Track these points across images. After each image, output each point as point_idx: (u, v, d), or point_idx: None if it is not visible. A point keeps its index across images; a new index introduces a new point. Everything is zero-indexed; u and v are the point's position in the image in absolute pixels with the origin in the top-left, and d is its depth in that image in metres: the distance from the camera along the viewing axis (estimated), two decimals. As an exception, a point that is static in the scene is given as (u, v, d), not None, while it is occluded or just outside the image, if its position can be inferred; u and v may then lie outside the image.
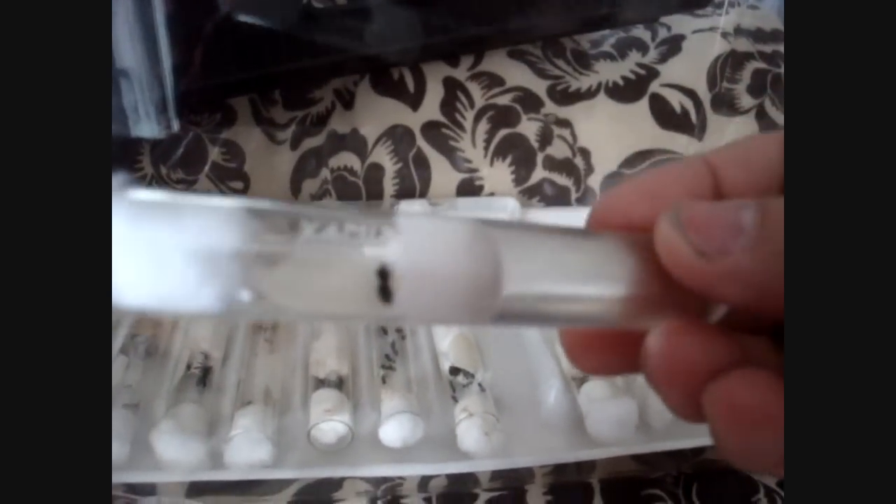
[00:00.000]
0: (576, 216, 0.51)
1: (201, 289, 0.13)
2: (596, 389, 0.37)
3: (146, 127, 0.44)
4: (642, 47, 0.54)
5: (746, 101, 0.52)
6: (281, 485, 0.35)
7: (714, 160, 0.17)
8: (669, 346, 0.15)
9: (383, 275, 0.14)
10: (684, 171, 0.17)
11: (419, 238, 0.14)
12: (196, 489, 0.35)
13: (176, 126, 0.45)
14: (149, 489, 0.34)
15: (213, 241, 0.12)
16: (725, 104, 0.52)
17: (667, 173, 0.18)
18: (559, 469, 0.36)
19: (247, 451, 0.34)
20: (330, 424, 0.35)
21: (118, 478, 0.34)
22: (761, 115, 0.52)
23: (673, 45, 0.54)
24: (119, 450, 0.34)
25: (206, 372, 0.38)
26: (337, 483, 0.35)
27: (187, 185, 0.50)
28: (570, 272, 0.15)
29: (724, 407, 0.14)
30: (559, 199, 0.52)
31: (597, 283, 0.15)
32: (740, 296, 0.14)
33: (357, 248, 0.14)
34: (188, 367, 0.38)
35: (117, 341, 0.40)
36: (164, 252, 0.12)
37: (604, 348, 0.18)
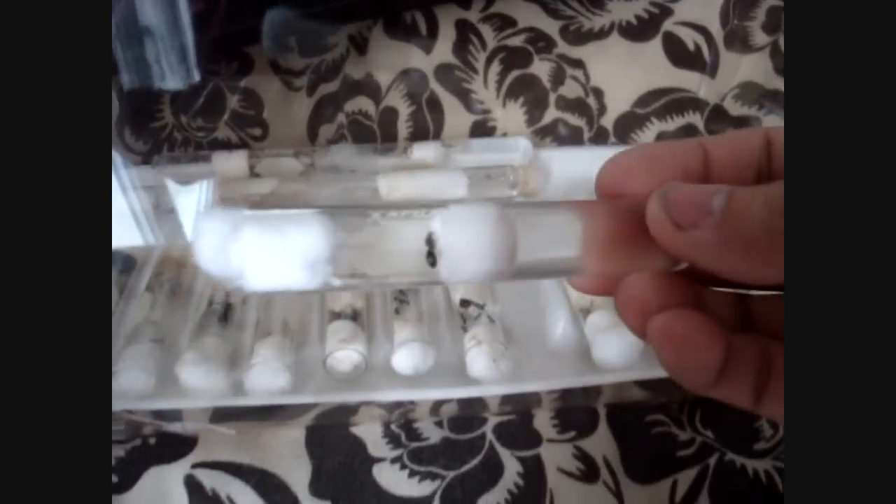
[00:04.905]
0: (588, 155, 0.52)
1: (302, 274, 0.17)
2: (602, 319, 0.38)
3: (168, 79, 0.45)
4: (656, -15, 0.54)
5: (761, 38, 0.52)
6: (299, 411, 0.37)
7: (706, 141, 0.20)
8: (630, 288, 0.19)
9: (430, 242, 0.18)
10: (680, 146, 0.20)
11: (457, 215, 0.18)
12: (219, 415, 0.37)
13: (196, 76, 0.46)
14: (174, 415, 0.36)
15: (307, 241, 0.17)
16: (738, 41, 0.52)
17: (665, 147, 0.21)
18: (566, 394, 0.37)
19: (266, 378, 0.36)
20: (345, 353, 0.36)
21: (146, 405, 0.36)
22: (775, 53, 0.52)
23: (687, -17, 0.53)
24: (146, 381, 0.36)
25: (227, 308, 0.40)
26: (353, 409, 0.37)
27: (207, 132, 0.52)
28: (561, 241, 0.19)
29: (659, 333, 0.18)
30: (572, 138, 0.52)
31: (575, 248, 0.19)
32: (702, 261, 0.18)
33: (411, 223, 0.18)
34: (210, 303, 0.40)
35: (143, 280, 0.42)
36: (276, 253, 0.17)
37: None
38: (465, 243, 0.18)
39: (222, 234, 0.17)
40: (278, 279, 0.17)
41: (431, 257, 0.18)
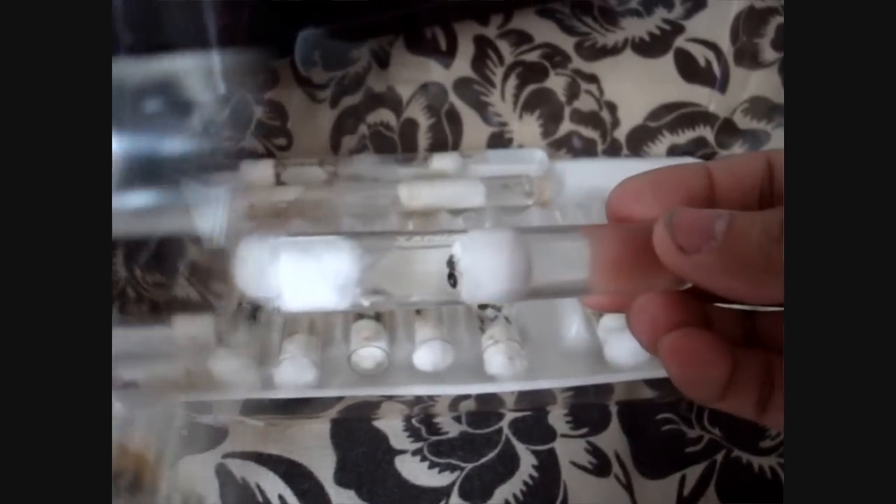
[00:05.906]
0: (602, 167, 0.53)
1: (334, 295, 0.19)
2: (614, 321, 0.39)
3: (192, 91, 0.47)
4: (668, 3, 0.55)
5: (769, 54, 0.53)
6: (325, 405, 0.38)
7: (711, 166, 0.22)
8: (641, 308, 0.21)
9: (451, 264, 0.19)
10: (686, 171, 0.22)
11: (476, 240, 0.20)
12: (248, 409, 0.39)
13: (222, 89, 0.48)
14: (206, 408, 0.38)
15: (338, 265, 0.19)
16: (748, 57, 0.53)
17: (671, 172, 0.22)
18: (579, 392, 0.39)
19: (294, 373, 0.37)
20: (368, 350, 0.38)
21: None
22: (784, 69, 0.53)
23: (698, 1, 0.55)
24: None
25: (255, 309, 0.41)
26: (376, 404, 0.39)
27: (235, 141, 0.54)
28: (572, 264, 0.21)
29: (668, 351, 0.20)
30: (586, 150, 0.54)
31: (585, 270, 0.21)
32: (704, 282, 0.19)
33: (434, 247, 0.20)
34: (238, 304, 0.42)
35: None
36: (311, 277, 0.19)
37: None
38: (484, 266, 0.19)
39: (261, 259, 0.18)
40: (312, 300, 0.19)
41: (452, 279, 0.19)
